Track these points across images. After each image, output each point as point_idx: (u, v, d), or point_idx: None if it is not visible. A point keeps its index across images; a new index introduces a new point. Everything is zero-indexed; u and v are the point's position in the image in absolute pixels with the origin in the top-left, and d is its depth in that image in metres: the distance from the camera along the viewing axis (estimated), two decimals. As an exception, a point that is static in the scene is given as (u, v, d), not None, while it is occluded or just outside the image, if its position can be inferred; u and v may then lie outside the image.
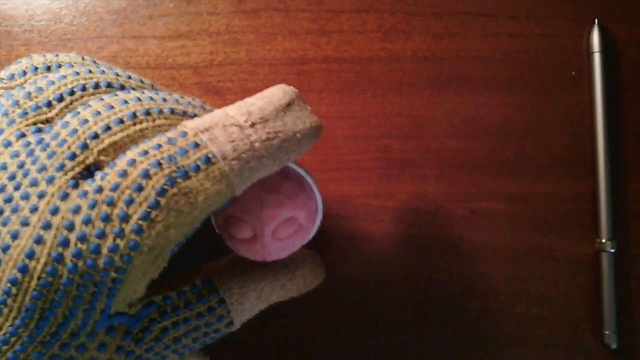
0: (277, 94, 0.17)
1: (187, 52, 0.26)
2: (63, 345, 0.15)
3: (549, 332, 0.26)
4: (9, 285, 0.14)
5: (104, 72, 0.17)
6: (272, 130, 0.16)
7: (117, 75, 0.17)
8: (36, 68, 0.17)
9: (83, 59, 0.18)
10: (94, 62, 0.18)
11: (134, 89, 0.17)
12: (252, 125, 0.16)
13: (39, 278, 0.14)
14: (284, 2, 0.26)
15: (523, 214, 0.26)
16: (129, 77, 0.18)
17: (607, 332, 0.25)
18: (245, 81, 0.26)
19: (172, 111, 0.16)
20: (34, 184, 0.15)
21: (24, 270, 0.14)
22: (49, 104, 0.16)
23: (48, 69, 0.17)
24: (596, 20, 0.26)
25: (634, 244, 0.26)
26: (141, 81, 0.18)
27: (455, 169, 0.26)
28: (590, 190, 0.26)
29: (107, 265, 0.14)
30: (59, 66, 0.17)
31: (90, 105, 0.16)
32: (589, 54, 0.26)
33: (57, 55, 0.18)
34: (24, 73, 0.17)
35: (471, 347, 0.26)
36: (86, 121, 0.15)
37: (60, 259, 0.14)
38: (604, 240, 0.25)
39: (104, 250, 0.14)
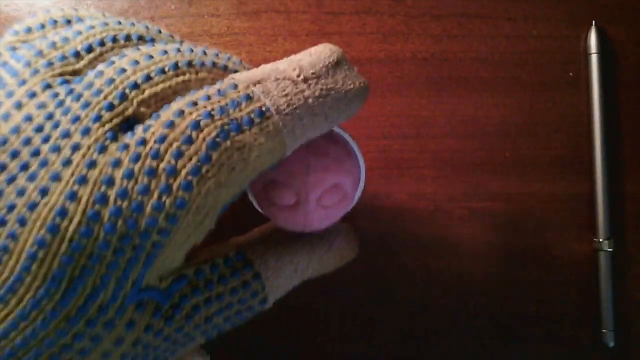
0: (324, 51, 0.16)
1: (188, 54, 0.27)
2: (89, 321, 0.13)
3: (546, 330, 0.26)
4: (35, 248, 0.12)
5: (133, 24, 0.16)
6: (325, 87, 0.15)
7: (147, 28, 0.16)
8: (55, 21, 0.16)
9: (104, 15, 0.17)
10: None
11: (166, 42, 0.16)
12: (305, 80, 0.15)
13: (70, 240, 0.12)
14: (284, 4, 0.27)
15: (521, 213, 0.26)
16: (159, 32, 0.16)
17: (604, 331, 0.25)
18: (246, 82, 0.26)
19: (214, 64, 0.15)
20: (66, 135, 0.13)
21: (54, 230, 0.12)
22: (77, 55, 0.15)
23: (68, 22, 0.16)
24: (593, 22, 0.26)
25: (631, 243, 0.26)
26: (171, 36, 0.17)
27: (454, 169, 0.26)
28: (587, 190, 0.26)
29: (150, 226, 0.13)
30: (80, 20, 0.16)
31: (126, 55, 0.15)
32: (587, 55, 0.26)
33: (77, 10, 0.16)
34: (42, 26, 0.16)
35: (469, 345, 0.26)
36: (124, 70, 0.14)
37: (96, 218, 0.13)
38: (601, 240, 0.26)
39: (148, 209, 0.13)
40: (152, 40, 0.16)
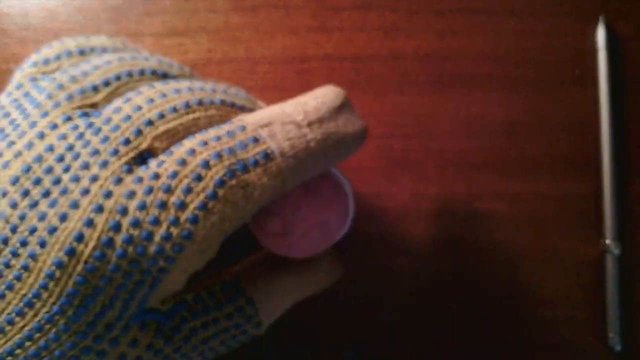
0: (329, 94, 0.17)
1: (184, 50, 0.26)
2: (97, 337, 0.14)
3: (552, 333, 0.26)
4: (53, 268, 0.14)
5: (147, 58, 0.17)
6: (327, 131, 0.16)
7: (160, 62, 0.17)
8: (70, 52, 0.17)
9: (114, 42, 0.18)
10: (126, 46, 0.18)
11: (175, 76, 0.18)
12: (309, 124, 0.16)
13: (85, 262, 0.14)
14: (283, -1, 0.26)
15: (526, 214, 0.26)
16: (171, 65, 0.18)
17: (611, 335, 0.25)
18: (244, 79, 0.26)
19: (222, 102, 0.17)
20: (85, 167, 0.14)
21: (71, 253, 0.14)
22: (95, 89, 0.16)
23: (82, 53, 0.17)
24: (601, 18, 0.26)
25: (639, 245, 0.26)
26: (181, 69, 0.18)
27: (458, 168, 0.26)
28: (594, 191, 0.26)
29: (157, 253, 0.14)
30: (92, 50, 0.17)
31: (141, 92, 0.16)
32: (594, 51, 0.26)
33: (88, 39, 0.18)
34: (58, 57, 0.17)
35: (473, 347, 0.26)
36: (140, 108, 0.15)
37: (110, 243, 0.14)
38: (608, 242, 0.25)
39: (156, 238, 0.14)
40: (165, 75, 0.17)
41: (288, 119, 0.16)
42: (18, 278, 0.14)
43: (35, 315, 0.14)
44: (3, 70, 0.26)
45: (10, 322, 0.14)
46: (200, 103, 0.16)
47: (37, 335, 0.14)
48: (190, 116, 0.16)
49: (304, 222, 0.18)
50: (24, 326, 0.14)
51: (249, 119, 0.16)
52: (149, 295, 0.15)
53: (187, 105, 0.16)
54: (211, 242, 0.15)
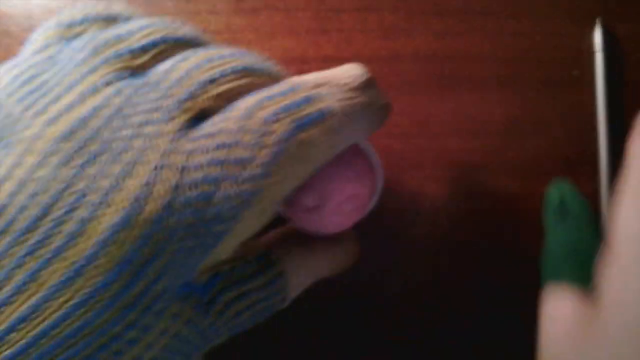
0: (357, 69, 0.17)
1: (186, 51, 0.26)
2: (144, 309, 0.13)
3: (551, 333, 0.26)
4: (108, 232, 0.12)
5: (181, 25, 0.17)
6: (368, 97, 0.17)
7: (193, 29, 0.17)
8: (94, 17, 0.16)
9: (133, 10, 0.18)
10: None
11: (209, 43, 0.17)
12: (353, 90, 0.16)
13: (145, 225, 0.13)
14: (283, 0, 0.26)
15: (525, 214, 0.26)
16: (202, 34, 0.18)
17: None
18: (245, 80, 0.26)
19: (268, 69, 0.17)
20: (145, 123, 0.14)
21: (131, 214, 0.13)
22: (143, 49, 0.15)
23: (106, 19, 0.16)
24: (598, 20, 0.26)
25: (637, 245, 0.26)
26: (211, 38, 0.18)
27: (457, 168, 0.26)
28: (592, 191, 0.26)
29: (217, 214, 0.14)
30: (116, 16, 0.17)
31: (194, 54, 0.15)
32: (591, 53, 0.26)
33: (109, 5, 0.17)
34: (82, 22, 0.16)
35: (473, 351, 0.26)
36: (199, 66, 0.15)
37: (170, 205, 0.13)
38: (606, 241, 0.25)
39: (217, 198, 0.13)
40: (200, 43, 0.17)
41: (334, 82, 0.16)
42: (68, 243, 0.12)
43: (83, 285, 0.12)
44: (6, 71, 0.26)
45: (50, 297, 0.12)
46: (252, 68, 0.16)
47: (82, 309, 0.12)
48: (246, 80, 0.16)
49: (338, 195, 0.18)
50: (67, 300, 0.12)
51: (299, 81, 0.16)
52: (198, 263, 0.14)
53: (245, 69, 0.16)
54: (272, 201, 0.15)
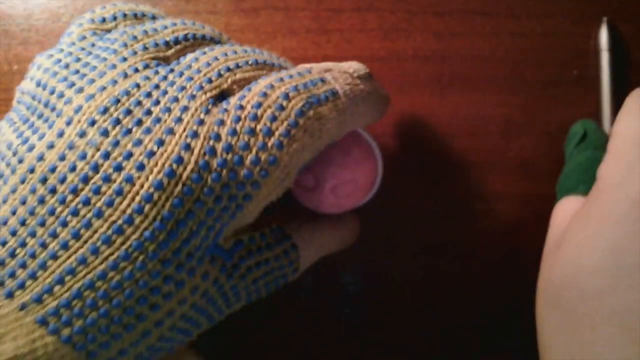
0: (358, 64, 0.19)
1: (186, 51, 0.26)
2: (179, 265, 0.15)
3: (551, 334, 0.26)
4: (151, 190, 0.14)
5: (203, 26, 0.19)
6: (373, 86, 0.19)
7: (212, 30, 0.19)
8: (125, 14, 0.18)
9: (157, 10, 0.20)
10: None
11: (226, 41, 0.19)
12: (359, 77, 0.18)
13: (184, 184, 0.14)
14: (283, 0, 0.26)
15: (525, 214, 0.26)
16: (220, 34, 0.19)
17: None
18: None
19: (274, 64, 0.18)
20: (174, 100, 0.15)
21: (171, 175, 0.14)
22: (167, 44, 0.17)
23: (135, 16, 0.18)
24: (605, 19, 0.26)
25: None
26: (228, 38, 0.20)
27: (457, 169, 0.26)
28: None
29: (247, 177, 0.15)
30: (144, 15, 0.19)
31: (213, 49, 0.17)
32: (596, 52, 0.26)
33: (137, 5, 0.19)
34: (114, 18, 0.18)
35: (473, 352, 0.26)
36: (217, 58, 0.17)
37: (206, 166, 0.15)
38: (607, 241, 0.25)
39: (247, 162, 0.15)
40: (218, 41, 0.19)
41: (343, 69, 0.18)
42: (109, 204, 0.14)
43: (124, 242, 0.14)
44: (5, 71, 0.26)
45: (95, 252, 0.14)
46: (265, 63, 0.18)
47: (123, 264, 0.14)
48: (260, 71, 0.17)
49: (333, 178, 0.20)
50: (109, 255, 0.14)
51: (311, 65, 0.18)
52: (228, 225, 0.16)
53: (257, 62, 0.17)
54: (292, 169, 0.16)
